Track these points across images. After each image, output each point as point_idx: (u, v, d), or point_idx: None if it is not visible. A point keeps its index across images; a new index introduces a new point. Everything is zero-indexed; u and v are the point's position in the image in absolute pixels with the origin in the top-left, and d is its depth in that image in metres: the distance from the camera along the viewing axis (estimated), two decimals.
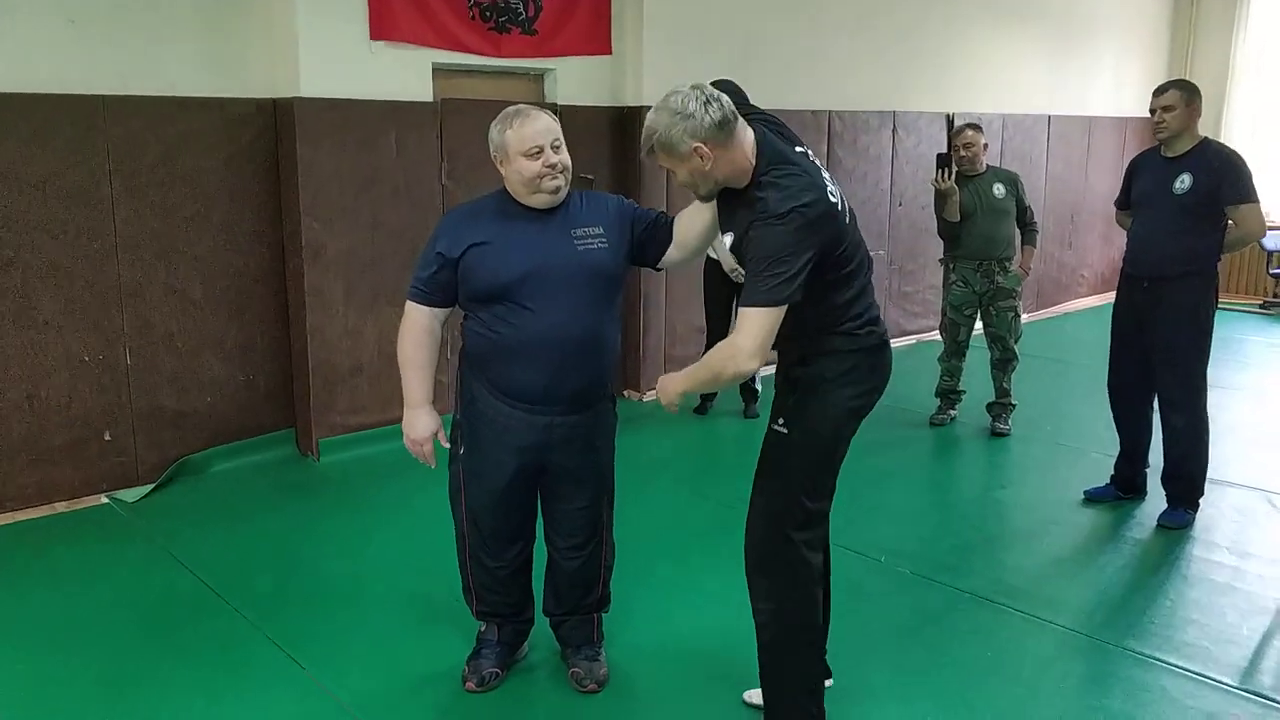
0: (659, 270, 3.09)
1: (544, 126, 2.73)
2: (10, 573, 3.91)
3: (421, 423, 2.89)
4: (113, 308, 4.65)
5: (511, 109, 2.78)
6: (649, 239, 2.90)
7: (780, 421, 2.63)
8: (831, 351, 2.56)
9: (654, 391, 5.76)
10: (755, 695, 2.89)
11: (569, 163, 2.78)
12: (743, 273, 5.40)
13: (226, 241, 4.97)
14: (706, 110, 2.40)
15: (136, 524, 4.43)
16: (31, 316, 4.44)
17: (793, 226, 2.35)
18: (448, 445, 2.94)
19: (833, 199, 2.47)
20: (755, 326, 2.36)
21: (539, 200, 2.76)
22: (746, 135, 2.48)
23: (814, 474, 2.62)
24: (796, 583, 2.65)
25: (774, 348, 2.47)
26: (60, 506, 4.57)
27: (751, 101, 2.70)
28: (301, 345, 5.14)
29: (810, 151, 2.60)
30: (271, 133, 5.03)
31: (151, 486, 4.78)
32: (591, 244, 2.79)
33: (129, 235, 4.65)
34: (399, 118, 5.21)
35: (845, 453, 2.69)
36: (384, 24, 5.06)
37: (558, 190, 2.76)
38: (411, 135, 5.27)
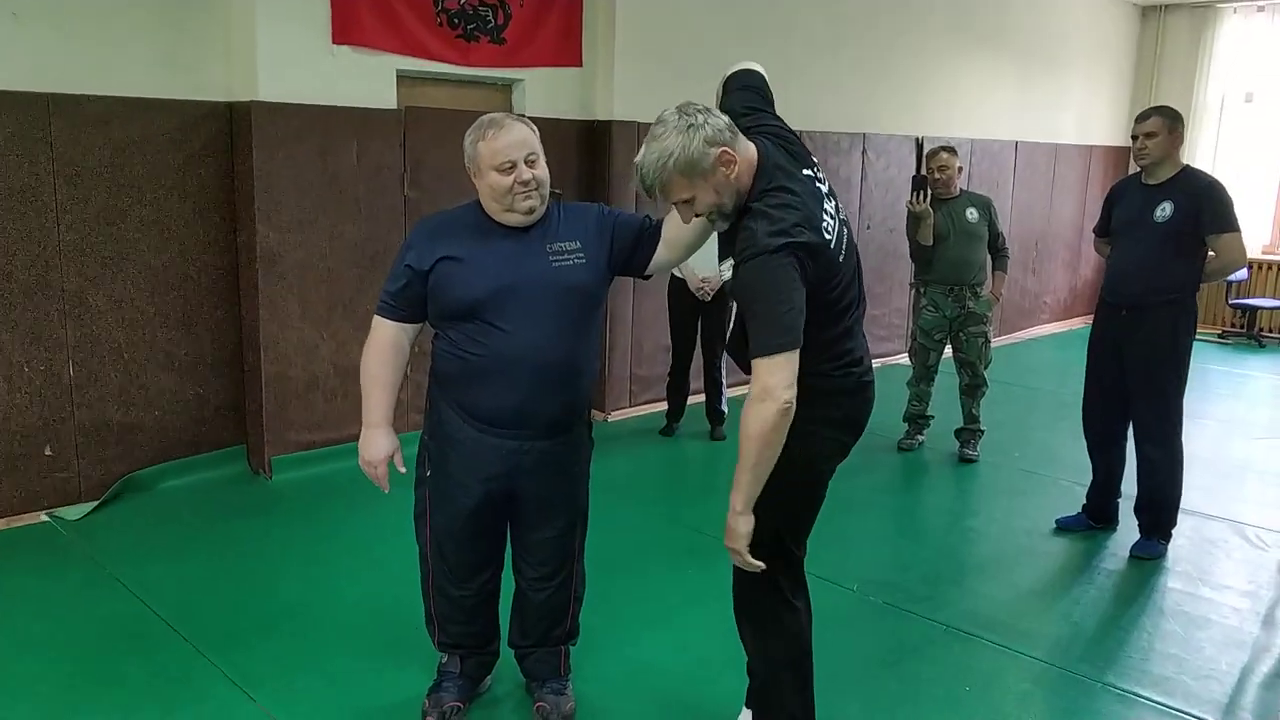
0: (648, 278, 2.93)
1: (518, 138, 2.57)
2: None
3: (378, 444, 2.73)
4: (55, 317, 4.44)
5: (487, 117, 2.62)
6: (636, 244, 2.74)
7: None
8: (806, 390, 2.40)
9: (618, 413, 5.57)
10: None
11: (545, 178, 2.62)
12: (708, 291, 5.41)
13: (178, 250, 4.78)
14: (710, 115, 2.28)
15: (78, 544, 4.21)
16: None
17: (784, 261, 2.20)
18: (403, 470, 2.78)
19: (827, 234, 2.30)
20: (774, 369, 2.19)
21: (510, 219, 2.61)
22: (749, 148, 2.34)
23: (795, 517, 2.52)
24: (782, 629, 2.55)
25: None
26: None
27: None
28: (255, 358, 4.95)
29: (817, 172, 2.43)
30: (227, 137, 4.85)
31: (95, 504, 4.56)
32: (568, 260, 2.64)
33: (74, 241, 4.45)
34: (361, 125, 5.05)
35: (824, 494, 2.59)
36: (347, 28, 4.91)
37: (531, 211, 2.60)
38: (373, 143, 5.12)
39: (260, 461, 5.04)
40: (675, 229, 2.72)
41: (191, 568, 4.00)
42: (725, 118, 2.31)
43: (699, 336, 5.78)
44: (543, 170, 2.61)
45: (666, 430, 5.97)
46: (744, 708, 2.80)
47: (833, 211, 2.37)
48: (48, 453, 4.48)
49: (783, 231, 2.21)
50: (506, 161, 2.54)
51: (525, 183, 2.56)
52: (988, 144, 8.68)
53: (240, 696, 3.06)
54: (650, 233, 2.76)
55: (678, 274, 5.64)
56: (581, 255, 2.67)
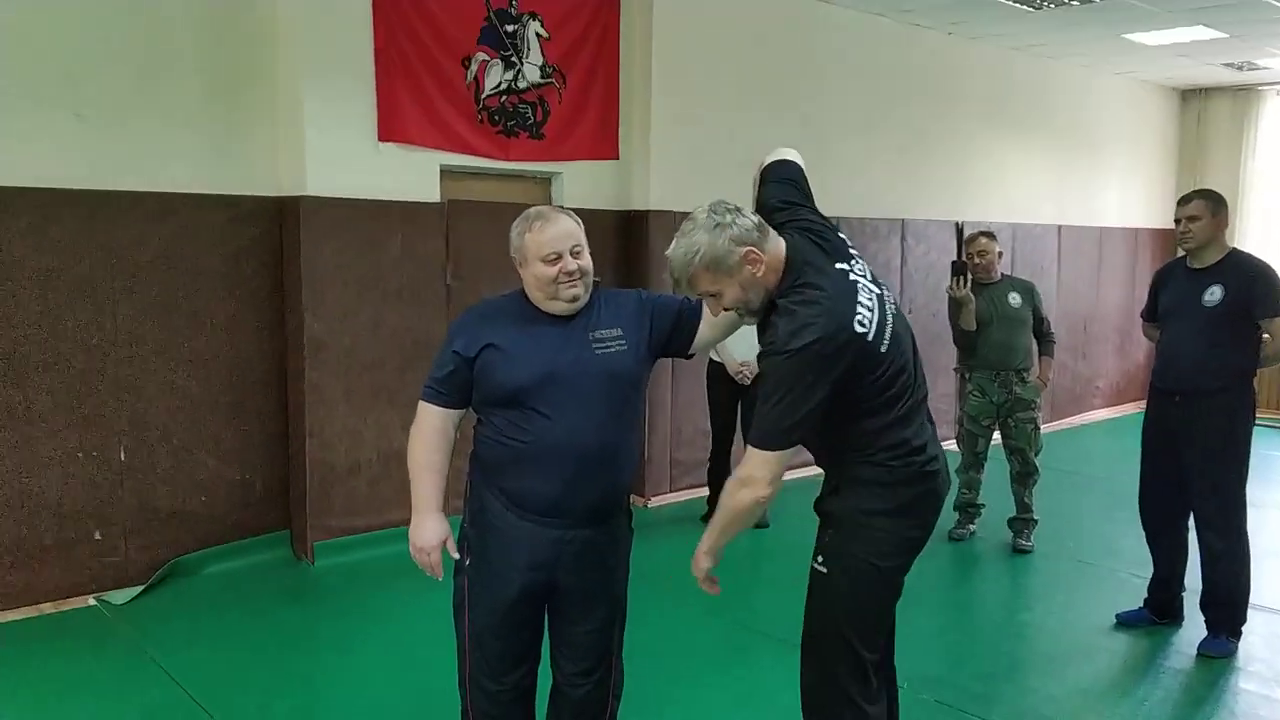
0: (690, 357, 2.92)
1: (564, 231, 2.60)
2: None
3: (430, 530, 2.70)
4: (109, 403, 4.52)
5: (534, 210, 2.66)
6: (675, 326, 2.74)
7: (819, 560, 2.47)
8: (865, 483, 2.35)
9: (659, 498, 5.54)
10: None
11: (590, 268, 2.64)
12: (748, 375, 5.38)
13: (226, 338, 4.87)
14: (739, 215, 2.31)
15: (122, 629, 4.22)
16: (26, 412, 4.31)
17: (800, 364, 2.21)
18: (455, 555, 2.75)
19: (861, 328, 2.27)
20: (764, 463, 2.29)
21: (555, 307, 2.62)
22: (778, 245, 2.36)
23: (863, 619, 2.44)
24: None
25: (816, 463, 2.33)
26: (46, 608, 4.39)
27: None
28: (299, 444, 4.99)
29: (854, 265, 2.40)
30: (276, 230, 4.98)
31: (141, 588, 4.59)
32: (610, 347, 2.64)
33: (128, 330, 4.55)
34: (405, 217, 5.16)
35: (895, 594, 2.51)
36: (393, 126, 5.06)
37: (575, 299, 2.62)
38: (417, 235, 5.21)
39: (304, 547, 5.04)
40: (709, 330, 2.75)
41: (232, 654, 3.98)
42: (754, 218, 2.33)
43: (739, 421, 5.73)
44: (587, 260, 2.63)
45: (708, 516, 5.84)
46: None
47: (871, 303, 2.33)
48: (97, 536, 4.53)
49: (804, 331, 2.22)
50: (552, 253, 2.57)
51: (570, 273, 2.58)
52: (1029, 228, 8.64)
53: None
54: (690, 312, 2.76)
55: (715, 358, 5.61)
56: (623, 342, 2.66)
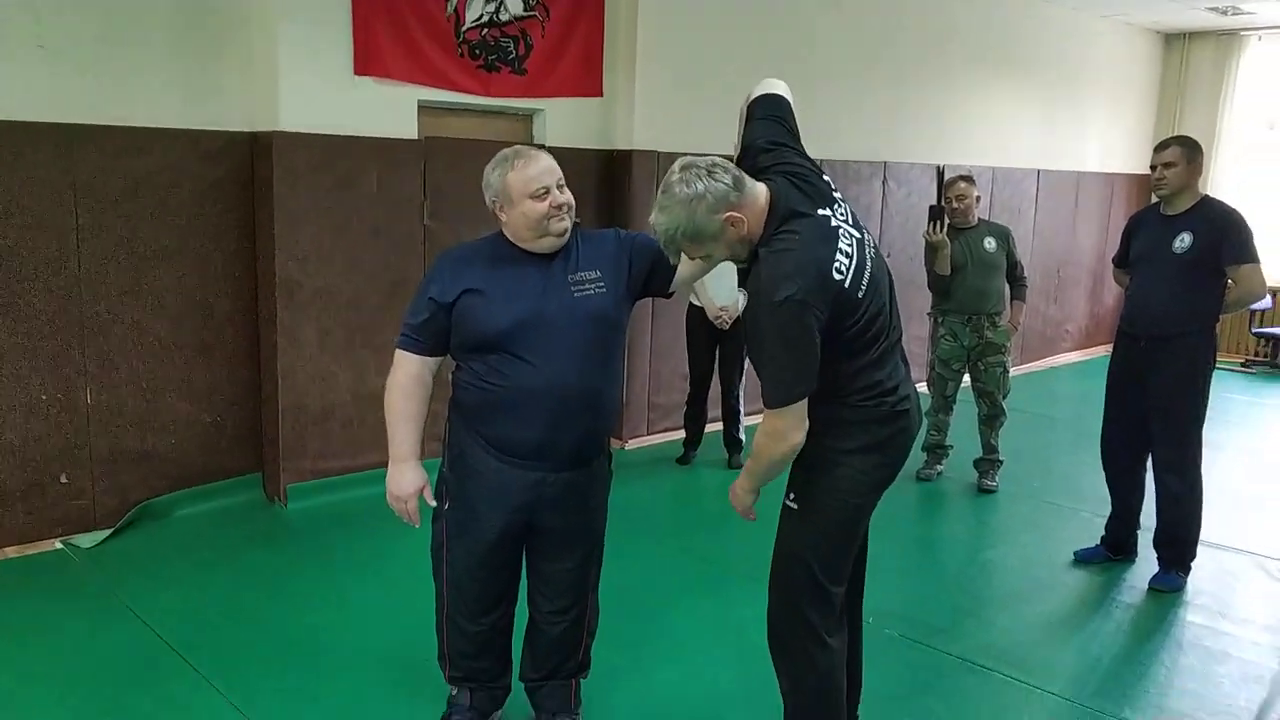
0: (670, 295, 2.93)
1: (547, 165, 2.60)
2: None
3: (407, 478, 2.72)
4: (74, 345, 4.47)
5: (509, 150, 2.65)
6: (654, 266, 2.74)
7: (791, 497, 2.51)
8: (837, 422, 2.40)
9: (635, 440, 5.56)
10: None
11: (573, 202, 2.65)
12: (726, 320, 5.40)
13: (197, 279, 4.81)
14: (714, 179, 2.28)
15: (91, 572, 4.23)
16: None
17: (783, 317, 2.23)
18: (432, 504, 2.78)
19: (839, 274, 2.29)
20: (784, 416, 2.31)
21: (546, 244, 2.62)
22: (759, 192, 2.35)
23: (828, 552, 2.49)
24: (814, 666, 2.52)
25: None
26: (10, 552, 4.36)
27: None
28: (272, 387, 4.98)
29: (836, 210, 2.40)
30: (248, 167, 4.90)
31: (109, 532, 4.58)
32: (589, 289, 2.64)
33: (93, 270, 4.49)
34: (381, 155, 5.09)
35: (864, 529, 2.57)
36: (369, 59, 4.96)
37: (564, 232, 2.62)
38: (394, 173, 5.15)
39: (276, 489, 5.05)
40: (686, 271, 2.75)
41: (203, 597, 4.00)
42: (730, 176, 2.30)
43: (716, 365, 5.77)
44: (570, 195, 2.64)
45: (683, 459, 5.95)
46: None
47: (850, 249, 2.35)
48: (63, 480, 4.50)
49: (784, 278, 2.23)
50: (541, 188, 2.56)
51: (560, 206, 2.59)
52: (1010, 172, 8.65)
53: None
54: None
55: (695, 302, 5.63)
56: (602, 284, 2.67)
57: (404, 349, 2.69)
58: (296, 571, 4.32)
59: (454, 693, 2.97)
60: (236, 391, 5.02)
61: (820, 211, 2.36)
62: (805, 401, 2.30)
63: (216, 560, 4.38)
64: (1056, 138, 9.14)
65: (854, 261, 2.34)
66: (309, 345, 4.99)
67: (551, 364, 2.58)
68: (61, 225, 4.39)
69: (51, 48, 4.28)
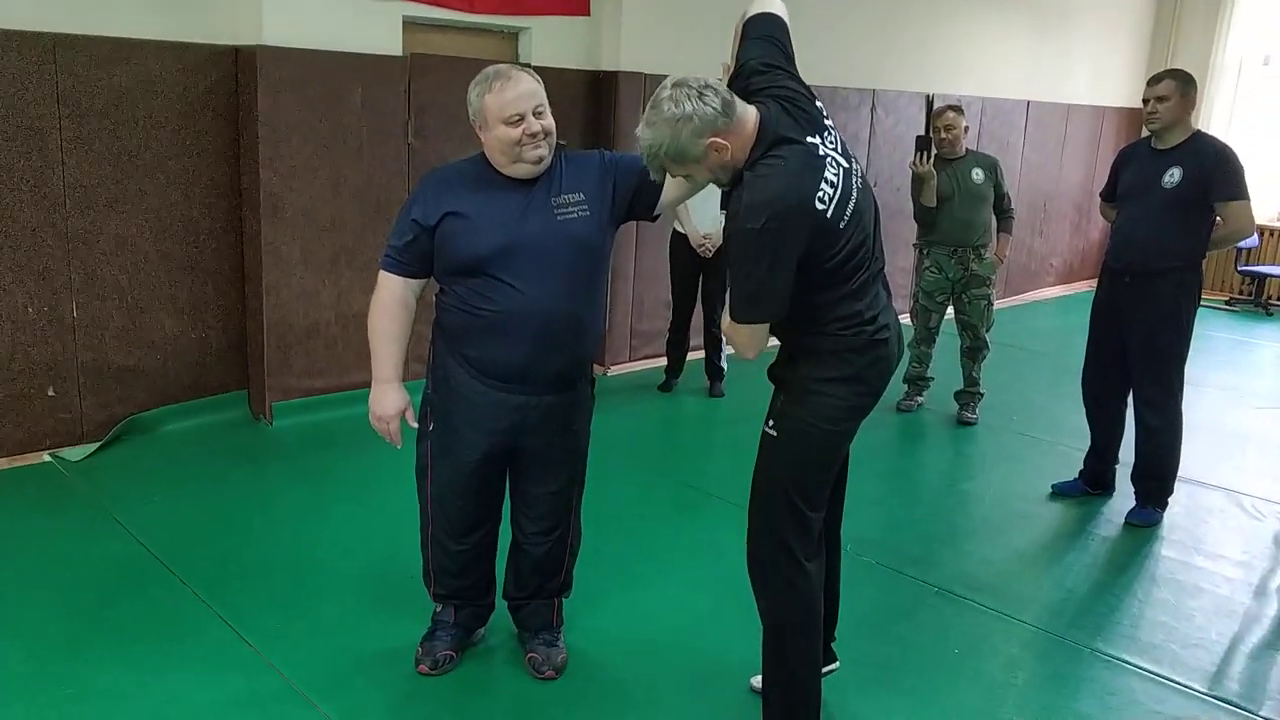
0: (655, 219, 2.91)
1: (526, 90, 2.55)
2: None
3: (390, 399, 2.73)
4: (59, 257, 4.43)
5: (491, 69, 2.60)
6: (639, 188, 2.71)
7: (770, 424, 2.53)
8: (816, 351, 2.42)
9: (618, 367, 5.56)
10: (758, 680, 2.83)
11: (553, 128, 2.60)
12: (710, 248, 5.39)
13: (182, 193, 4.76)
14: (704, 102, 2.23)
15: (79, 484, 4.25)
16: None
17: (760, 240, 2.21)
18: (414, 425, 2.79)
19: (820, 204, 2.27)
20: (745, 336, 2.33)
21: (520, 170, 2.60)
22: (749, 115, 2.31)
23: (805, 478, 2.51)
24: (793, 588, 2.56)
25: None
26: (0, 463, 4.38)
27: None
28: (256, 304, 4.96)
29: (826, 138, 2.36)
30: (232, 81, 4.81)
31: (97, 445, 4.60)
32: (571, 213, 2.63)
33: (78, 182, 4.43)
34: (366, 71, 5.00)
35: (843, 455, 2.61)
36: None
37: (540, 160, 2.59)
38: (378, 90, 5.07)
39: (261, 407, 5.06)
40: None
41: (190, 511, 4.03)
42: (720, 99, 2.25)
43: (699, 292, 5.77)
44: (550, 120, 2.60)
45: (665, 386, 5.98)
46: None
47: (836, 178, 2.33)
48: (50, 393, 4.50)
49: (764, 203, 2.22)
50: (515, 114, 2.52)
51: (534, 134, 2.55)
52: (999, 102, 8.59)
53: (234, 639, 3.11)
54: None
55: (679, 229, 5.61)
56: (586, 208, 2.65)
57: (387, 270, 2.69)
58: (282, 488, 4.36)
59: (438, 609, 3.03)
60: (222, 308, 5.00)
61: (809, 139, 2.34)
62: (766, 326, 2.33)
63: (203, 475, 4.41)
64: (1047, 69, 9.05)
65: (838, 191, 2.32)
66: (293, 263, 4.95)
67: (534, 288, 2.58)
68: (47, 136, 4.31)
69: None
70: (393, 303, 2.69)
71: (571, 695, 2.91)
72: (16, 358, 4.39)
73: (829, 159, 2.34)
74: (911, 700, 2.96)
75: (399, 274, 2.68)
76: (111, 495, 4.13)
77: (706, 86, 2.26)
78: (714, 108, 2.24)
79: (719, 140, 2.26)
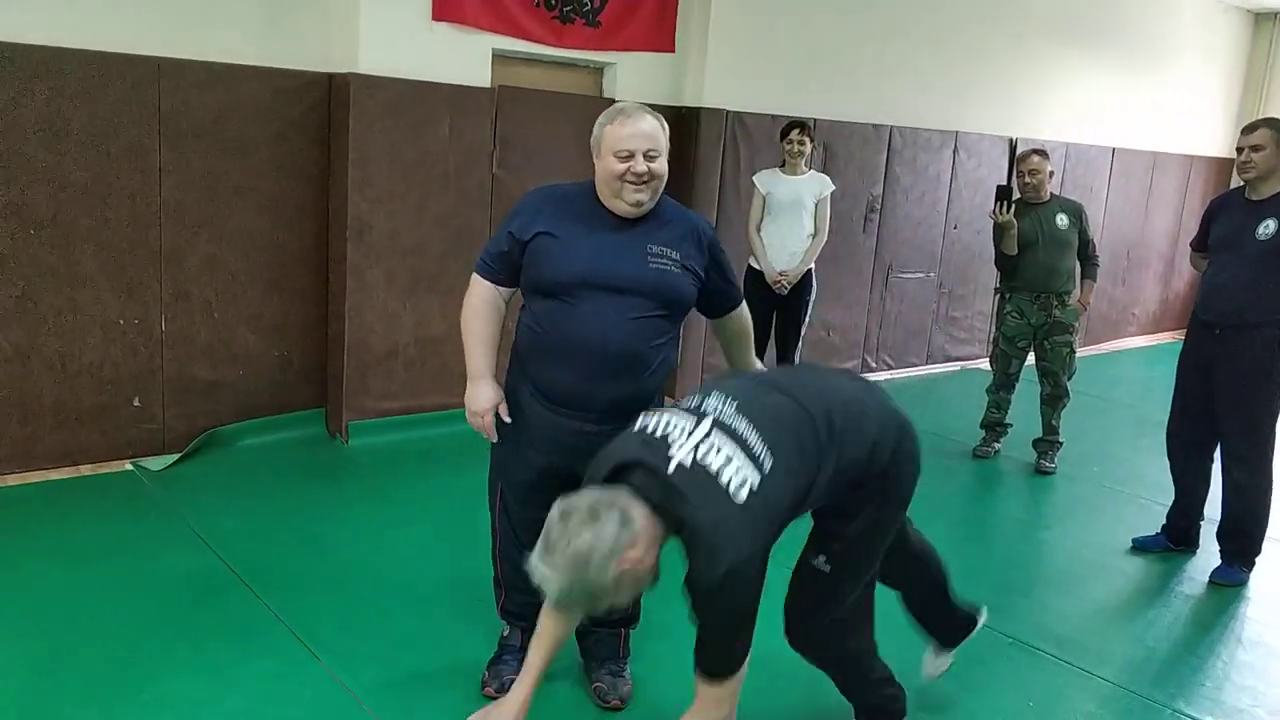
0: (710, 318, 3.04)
1: (644, 130, 2.62)
2: (28, 537, 3.83)
3: (483, 394, 2.79)
4: (151, 273, 4.58)
5: (621, 104, 2.71)
6: (714, 290, 2.87)
7: (821, 559, 2.54)
8: (868, 500, 2.53)
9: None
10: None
11: (663, 174, 2.66)
12: (785, 284, 5.36)
13: (271, 214, 4.89)
14: (597, 535, 2.04)
15: (159, 494, 4.35)
16: (70, 276, 4.37)
17: (731, 589, 2.16)
18: (508, 420, 2.81)
19: (749, 495, 2.12)
20: (727, 686, 2.32)
21: (617, 206, 2.65)
22: (647, 526, 2.11)
23: (865, 592, 2.67)
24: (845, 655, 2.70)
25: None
26: (85, 469, 4.51)
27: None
28: (339, 325, 5.06)
29: (700, 416, 2.25)
30: (324, 107, 4.95)
31: (177, 456, 4.71)
32: (665, 264, 2.68)
33: (173, 201, 4.58)
34: (455, 102, 5.11)
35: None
36: (447, 5, 4.97)
37: (639, 205, 2.64)
38: (466, 120, 5.17)
39: (338, 425, 5.15)
40: (728, 335, 3.02)
41: (266, 524, 4.10)
42: (613, 525, 2.05)
43: (773, 328, 5.74)
44: (661, 166, 2.65)
45: None
46: None
47: (737, 459, 2.18)
48: (136, 404, 4.63)
49: (713, 565, 2.13)
50: (626, 150, 2.59)
51: (639, 174, 2.60)
52: (1084, 149, 8.46)
53: (304, 653, 3.14)
54: (726, 297, 2.93)
55: (754, 265, 5.60)
56: (679, 266, 2.71)
57: (479, 274, 2.81)
58: (356, 505, 4.42)
59: (505, 632, 3.04)
60: (304, 328, 5.11)
61: (678, 460, 2.15)
62: (745, 668, 2.31)
63: (279, 489, 4.49)
64: (1134, 115, 8.90)
65: (743, 458, 2.17)
66: (375, 286, 5.05)
67: (601, 320, 2.63)
68: (146, 156, 4.47)
69: None
70: (481, 304, 2.79)
71: None
72: (106, 368, 4.53)
73: (710, 451, 2.18)
74: None
75: (487, 279, 2.79)
76: (189, 505, 4.22)
77: (600, 503, 2.08)
78: (612, 529, 2.04)
79: (632, 554, 2.07)
